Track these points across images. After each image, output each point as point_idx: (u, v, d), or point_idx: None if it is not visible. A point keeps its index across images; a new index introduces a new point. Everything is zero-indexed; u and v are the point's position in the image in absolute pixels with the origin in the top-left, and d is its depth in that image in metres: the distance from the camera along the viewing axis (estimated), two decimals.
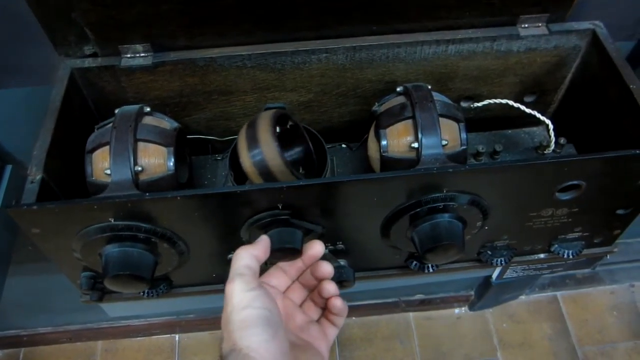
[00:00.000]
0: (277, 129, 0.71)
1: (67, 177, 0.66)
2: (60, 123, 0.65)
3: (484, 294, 1.43)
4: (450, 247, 0.60)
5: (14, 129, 0.81)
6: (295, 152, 0.74)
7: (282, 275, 0.58)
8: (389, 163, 0.66)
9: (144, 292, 0.71)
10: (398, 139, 0.66)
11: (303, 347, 0.54)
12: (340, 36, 0.70)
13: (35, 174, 0.60)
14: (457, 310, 1.58)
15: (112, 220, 0.57)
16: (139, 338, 1.55)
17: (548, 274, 1.14)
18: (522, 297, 1.59)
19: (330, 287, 0.55)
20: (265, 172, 0.64)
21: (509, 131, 0.86)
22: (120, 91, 0.72)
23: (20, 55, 0.74)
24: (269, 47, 0.69)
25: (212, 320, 1.51)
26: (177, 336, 1.56)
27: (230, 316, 0.46)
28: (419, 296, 1.53)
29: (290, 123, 0.70)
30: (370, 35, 0.71)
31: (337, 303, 0.55)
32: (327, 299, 0.56)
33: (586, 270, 1.60)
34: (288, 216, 0.58)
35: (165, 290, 0.72)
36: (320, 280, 0.56)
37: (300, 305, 0.58)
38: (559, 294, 1.62)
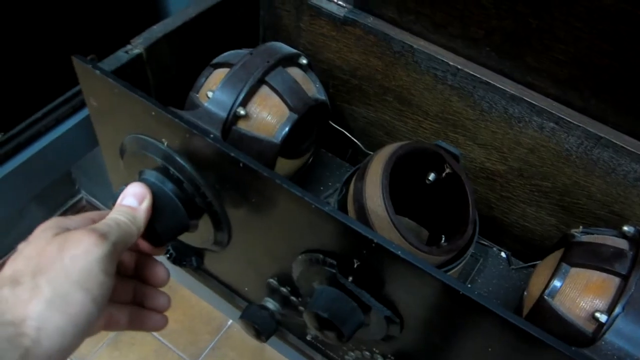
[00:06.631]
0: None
1: (170, 76, 0.53)
2: (205, 17, 0.52)
3: None
4: None
5: None
6: (441, 207, 0.53)
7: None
8: (543, 312, 0.42)
9: (169, 252, 0.55)
10: (580, 292, 0.41)
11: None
12: (585, 113, 0.48)
13: (135, 46, 0.48)
14: None
15: (165, 145, 0.43)
16: None
17: None
18: None
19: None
20: (361, 212, 0.45)
21: None
22: (293, 31, 0.58)
23: None
24: (486, 74, 0.49)
25: None
26: None
27: None
28: None
29: (447, 171, 0.49)
30: (629, 134, 0.47)
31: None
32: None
33: None
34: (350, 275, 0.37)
35: (193, 264, 0.56)
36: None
37: None
38: None
